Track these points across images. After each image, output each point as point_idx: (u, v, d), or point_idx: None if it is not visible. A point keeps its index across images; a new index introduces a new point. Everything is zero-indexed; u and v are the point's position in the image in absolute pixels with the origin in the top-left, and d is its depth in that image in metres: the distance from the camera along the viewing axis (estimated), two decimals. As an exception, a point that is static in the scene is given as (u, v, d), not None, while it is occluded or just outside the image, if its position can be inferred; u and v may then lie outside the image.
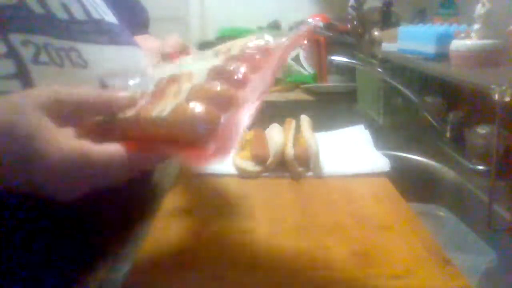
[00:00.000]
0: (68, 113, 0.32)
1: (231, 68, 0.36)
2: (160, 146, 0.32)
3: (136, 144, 0.32)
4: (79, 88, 0.33)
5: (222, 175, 0.65)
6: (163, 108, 0.32)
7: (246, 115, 0.31)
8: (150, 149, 0.32)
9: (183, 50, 0.56)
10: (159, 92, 0.37)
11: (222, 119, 0.31)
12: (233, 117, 0.31)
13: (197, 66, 0.41)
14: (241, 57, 0.39)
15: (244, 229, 0.50)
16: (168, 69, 0.45)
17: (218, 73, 0.36)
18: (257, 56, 0.38)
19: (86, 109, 0.33)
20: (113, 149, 0.31)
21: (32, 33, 0.38)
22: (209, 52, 0.47)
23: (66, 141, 0.30)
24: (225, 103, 0.32)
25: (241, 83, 0.34)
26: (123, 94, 0.36)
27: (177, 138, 0.31)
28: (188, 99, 0.33)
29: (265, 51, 0.39)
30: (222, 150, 0.29)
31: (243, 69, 0.35)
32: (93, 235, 0.46)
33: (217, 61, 0.40)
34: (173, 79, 0.39)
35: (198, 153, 0.30)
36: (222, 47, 0.47)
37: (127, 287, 0.41)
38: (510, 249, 0.57)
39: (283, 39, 0.41)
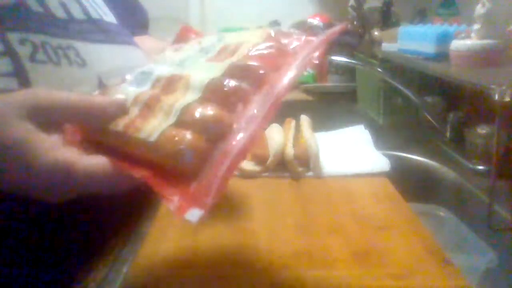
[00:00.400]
0: (54, 120, 0.31)
1: (229, 87, 0.32)
2: (144, 175, 0.30)
3: (121, 162, 0.31)
4: (63, 93, 0.32)
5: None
6: (152, 131, 0.31)
7: (239, 153, 0.28)
8: (134, 175, 0.30)
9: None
10: (152, 101, 0.35)
11: (212, 153, 0.29)
12: (221, 156, 0.28)
13: (197, 70, 0.38)
14: (244, 69, 0.34)
15: (244, 229, 0.50)
16: (168, 65, 0.42)
17: (215, 90, 0.33)
18: (262, 71, 0.34)
19: (72, 116, 0.32)
20: (98, 162, 0.30)
21: (30, 31, 0.38)
22: (217, 40, 0.43)
23: (51, 150, 0.29)
24: (216, 133, 0.30)
25: (238, 107, 0.31)
26: (113, 102, 0.34)
27: (161, 165, 0.30)
28: (178, 123, 0.31)
29: (274, 61, 0.35)
30: (200, 203, 0.27)
31: (242, 92, 0.32)
32: (93, 235, 0.46)
33: (218, 68, 0.36)
34: (170, 83, 0.37)
35: (176, 192, 0.28)
36: (230, 39, 0.42)
37: (127, 287, 0.41)
38: (510, 249, 0.57)
39: (296, 43, 0.37)
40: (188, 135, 0.29)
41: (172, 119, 0.31)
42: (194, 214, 0.26)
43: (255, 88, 0.33)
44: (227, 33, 0.44)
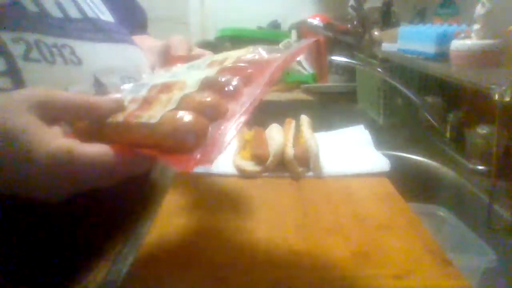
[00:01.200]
0: (55, 116, 0.32)
1: (223, 80, 0.36)
2: (146, 152, 0.31)
3: (122, 147, 0.32)
4: (62, 92, 0.33)
5: (222, 175, 0.65)
6: (153, 116, 0.32)
7: (233, 127, 0.31)
8: (136, 153, 0.32)
9: (190, 52, 0.56)
10: (150, 98, 0.37)
11: (210, 129, 0.31)
12: (220, 128, 0.31)
13: (190, 76, 0.41)
14: (233, 69, 0.38)
15: (244, 229, 0.50)
16: (162, 77, 0.45)
17: (210, 84, 0.36)
18: (250, 70, 0.37)
19: (71, 113, 0.33)
20: (99, 149, 0.31)
21: (24, 30, 0.38)
22: (203, 61, 0.47)
23: (53, 139, 0.30)
24: (214, 114, 0.32)
25: (233, 96, 0.34)
26: (109, 99, 0.36)
27: (164, 145, 0.31)
28: (178, 108, 0.33)
29: (259, 65, 0.39)
30: (205, 159, 0.29)
31: (235, 82, 0.35)
32: (93, 234, 0.46)
33: (210, 72, 0.39)
34: (166, 87, 0.39)
35: (182, 160, 0.30)
36: (217, 57, 0.46)
37: (127, 287, 0.41)
38: (510, 249, 0.57)
39: (278, 55, 0.40)
40: (188, 115, 0.31)
41: (172, 106, 0.33)
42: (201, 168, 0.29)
43: (244, 83, 0.36)
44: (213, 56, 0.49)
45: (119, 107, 0.36)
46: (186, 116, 0.31)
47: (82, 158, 0.30)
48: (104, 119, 0.34)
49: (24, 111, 0.30)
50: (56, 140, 0.30)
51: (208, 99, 0.33)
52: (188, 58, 0.54)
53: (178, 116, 0.31)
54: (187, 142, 0.30)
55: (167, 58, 0.55)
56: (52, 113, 0.32)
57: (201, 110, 0.32)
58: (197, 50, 0.57)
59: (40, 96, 0.31)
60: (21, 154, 0.29)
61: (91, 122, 0.35)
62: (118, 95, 0.38)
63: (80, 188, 0.32)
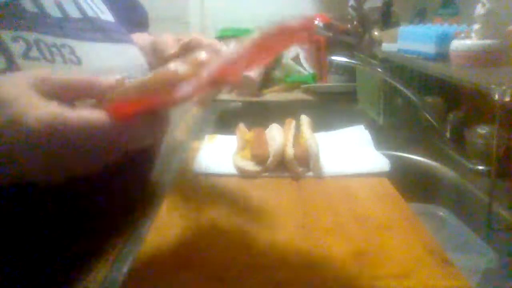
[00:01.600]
0: (54, 93, 0.31)
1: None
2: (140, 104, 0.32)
3: (117, 107, 0.31)
4: (62, 73, 0.33)
5: (222, 175, 0.65)
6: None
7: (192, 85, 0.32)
8: (133, 116, 0.31)
9: (179, 42, 0.55)
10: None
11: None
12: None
13: None
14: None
15: (244, 229, 0.50)
16: None
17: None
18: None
19: (71, 90, 0.33)
20: (92, 112, 0.30)
21: (23, 30, 0.38)
22: None
23: (46, 106, 0.29)
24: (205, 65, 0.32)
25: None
26: (110, 77, 0.35)
27: (157, 95, 0.31)
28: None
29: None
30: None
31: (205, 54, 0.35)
32: (93, 234, 0.46)
33: None
34: None
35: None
36: None
37: (127, 287, 0.41)
38: (510, 249, 0.57)
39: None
40: (180, 64, 0.32)
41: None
42: None
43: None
44: None
45: (119, 84, 0.34)
46: (178, 65, 0.31)
47: (74, 119, 0.29)
48: (104, 97, 0.33)
49: (22, 85, 0.30)
50: (47, 107, 0.29)
51: (203, 56, 0.33)
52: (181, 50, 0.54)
53: (167, 67, 0.32)
54: (178, 89, 0.31)
55: (159, 57, 0.55)
56: (51, 90, 0.31)
57: (192, 65, 0.32)
58: (185, 39, 0.57)
59: (40, 74, 0.31)
60: (12, 120, 0.28)
61: (91, 101, 0.34)
62: (118, 76, 0.38)
63: (78, 159, 0.31)
